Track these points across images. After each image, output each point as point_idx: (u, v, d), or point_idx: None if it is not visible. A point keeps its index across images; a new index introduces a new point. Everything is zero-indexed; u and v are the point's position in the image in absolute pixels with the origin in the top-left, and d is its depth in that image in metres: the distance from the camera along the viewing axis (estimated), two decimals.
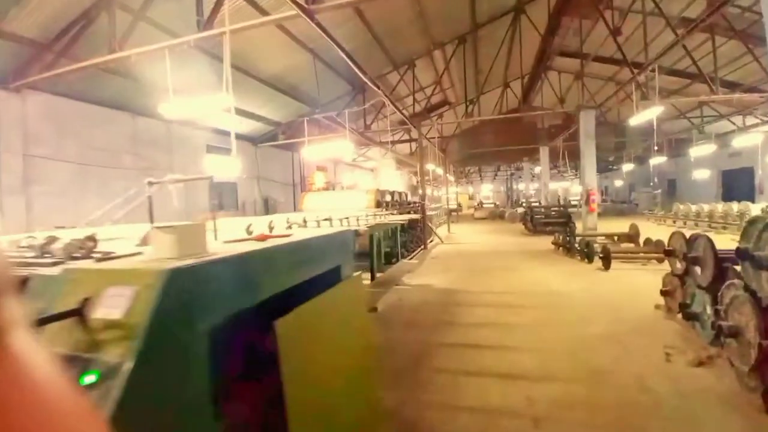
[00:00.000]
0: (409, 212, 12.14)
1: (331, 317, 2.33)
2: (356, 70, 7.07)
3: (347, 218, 5.71)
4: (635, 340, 4.26)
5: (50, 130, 7.66)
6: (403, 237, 10.84)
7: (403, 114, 11.07)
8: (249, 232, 3.21)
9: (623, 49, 10.33)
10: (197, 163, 11.42)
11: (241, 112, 11.68)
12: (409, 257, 10.28)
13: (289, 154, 16.26)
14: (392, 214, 9.54)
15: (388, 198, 10.03)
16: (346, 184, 21.01)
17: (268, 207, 14.40)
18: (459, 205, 43.12)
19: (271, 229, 3.10)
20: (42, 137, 7.52)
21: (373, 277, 6.31)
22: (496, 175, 45.86)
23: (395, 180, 29.71)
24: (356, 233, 5.17)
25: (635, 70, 10.25)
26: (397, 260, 8.05)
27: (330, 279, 2.52)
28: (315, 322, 2.11)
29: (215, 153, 12.16)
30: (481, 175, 46.71)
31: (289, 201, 15.83)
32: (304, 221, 4.93)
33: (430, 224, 15.36)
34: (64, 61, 6.69)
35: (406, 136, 18.30)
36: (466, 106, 14.77)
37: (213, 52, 8.64)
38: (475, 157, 26.18)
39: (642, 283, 6.80)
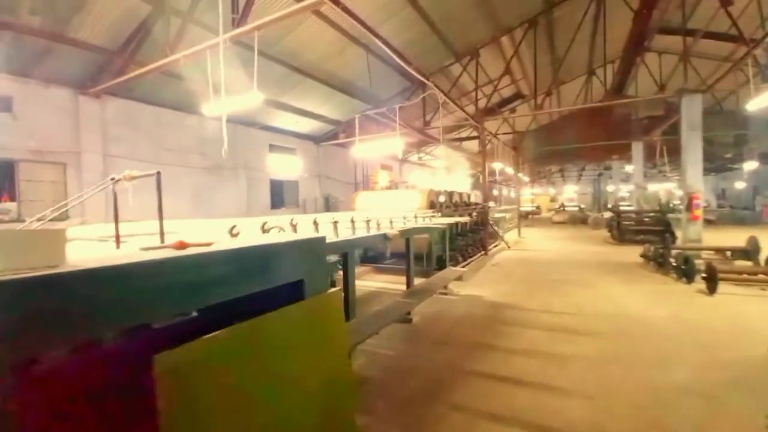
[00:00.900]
0: (470, 214, 11.24)
1: (277, 346, 1.86)
2: (398, 60, 6.52)
3: (385, 219, 5.21)
4: (734, 398, 3.11)
5: (126, 131, 8.42)
6: (460, 241, 10.04)
7: (462, 109, 10.22)
8: (233, 235, 2.90)
9: (738, 23, 8.30)
10: (260, 161, 11.87)
11: (301, 112, 11.87)
12: (464, 263, 9.44)
13: (350, 152, 16.26)
14: (444, 215, 8.80)
15: (442, 198, 9.30)
16: (411, 184, 20.56)
17: (329, 205, 14.53)
18: (537, 207, 40.03)
19: (234, 234, 2.72)
20: (119, 138, 8.29)
21: (409, 284, 5.72)
22: (581, 175, 41.56)
23: (463, 180, 28.43)
24: (385, 237, 4.67)
25: (751, 44, 8.15)
26: (444, 266, 7.33)
27: (287, 296, 2.05)
28: (240, 355, 1.65)
29: (277, 152, 12.54)
30: (563, 176, 42.75)
31: (351, 200, 15.84)
32: (352, 222, 4.54)
33: (495, 228, 14.18)
34: (132, 67, 7.22)
35: (475, 133, 17.16)
36: (539, 99, 13.26)
37: (265, 52, 8.76)
38: (554, 155, 23.77)
39: (756, 314, 5.22)
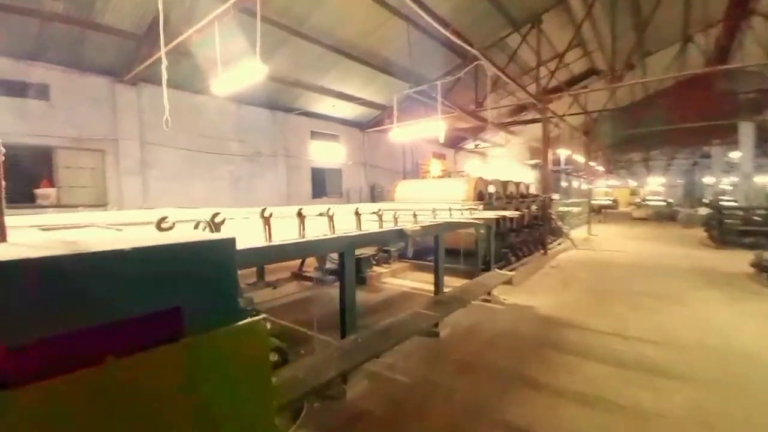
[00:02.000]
0: (527, 207, 9.81)
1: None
2: (439, 28, 5.46)
3: (413, 212, 4.31)
4: None
5: (162, 118, 8.32)
6: (513, 237, 8.72)
7: (517, 83, 8.76)
8: (162, 229, 2.20)
9: None
10: (301, 149, 11.46)
11: (341, 96, 11.20)
12: (517, 263, 8.16)
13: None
14: (494, 208, 7.61)
15: (492, 189, 8.07)
16: (465, 174, 19.12)
17: (374, 195, 13.82)
18: (614, 201, 35.85)
19: (165, 228, 2.01)
20: (155, 125, 8.21)
21: (437, 290, 4.75)
22: (669, 164, 36.37)
23: (525, 170, 26.17)
24: (402, 233, 3.76)
25: None
26: (489, 269, 6.19)
27: (149, 333, 1.26)
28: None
29: (319, 139, 12.04)
30: (647, 165, 37.78)
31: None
32: (379, 214, 3.71)
33: (559, 223, 12.45)
34: (156, 51, 6.98)
35: (538, 116, 15.29)
36: (619, 74, 11.19)
37: (297, 30, 8.14)
38: (636, 140, 20.71)
39: None
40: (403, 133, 8.63)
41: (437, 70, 11.19)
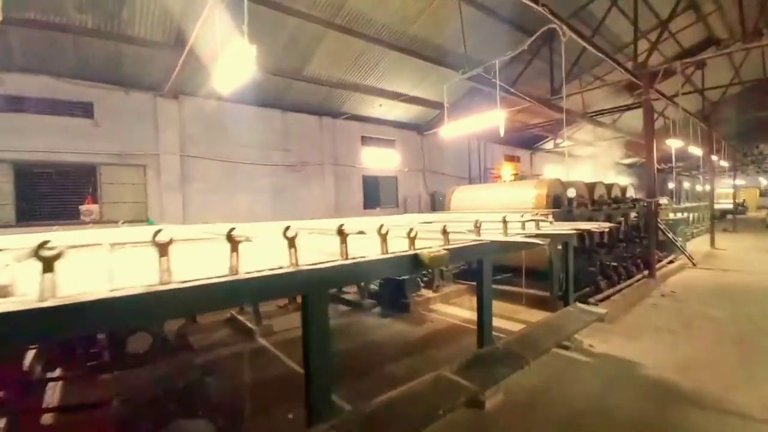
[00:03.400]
0: (624, 216, 7.70)
1: None
2: None
3: (456, 225, 3.05)
4: None
5: (203, 130, 8.13)
6: (603, 255, 6.74)
7: (610, 58, 6.79)
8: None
9: None
10: (351, 156, 10.66)
11: (393, 95, 10.16)
12: (608, 291, 6.22)
13: (464, 142, 13.82)
14: (575, 219, 5.85)
15: (572, 193, 6.28)
16: (543, 177, 16.74)
17: (434, 203, 12.48)
18: (742, 204, 29.33)
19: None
20: (196, 138, 8.03)
21: (482, 338, 3.33)
22: None
23: (617, 171, 22.49)
24: (417, 260, 2.53)
25: None
26: (567, 300, 4.50)
27: None
28: None
29: (372, 145, 11.14)
30: None
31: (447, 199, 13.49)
32: (411, 236, 2.64)
33: (669, 235, 9.82)
34: (191, 61, 6.67)
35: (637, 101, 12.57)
36: (747, 43, 8.39)
37: (331, 22, 7.31)
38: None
39: None
40: (456, 128, 7.27)
41: (499, 53, 9.58)
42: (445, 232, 2.93)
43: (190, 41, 5.82)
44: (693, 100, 13.87)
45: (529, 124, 13.63)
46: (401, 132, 11.72)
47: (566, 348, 4.29)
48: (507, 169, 15.45)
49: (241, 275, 1.76)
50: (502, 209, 6.72)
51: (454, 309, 6.23)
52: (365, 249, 2.43)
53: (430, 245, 2.69)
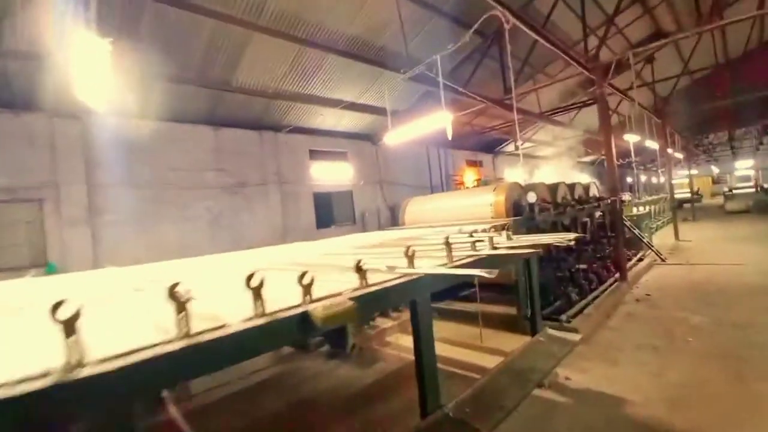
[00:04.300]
0: (589, 216, 7.23)
1: None
2: None
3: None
4: None
5: (117, 153, 7.04)
6: (570, 262, 6.17)
7: (561, 48, 6.32)
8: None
9: None
10: (299, 172, 9.78)
11: (341, 104, 9.41)
12: (580, 304, 5.61)
13: (422, 150, 13.25)
14: (533, 229, 5.23)
15: (533, 198, 5.69)
16: (505, 181, 16.46)
17: (395, 216, 11.73)
18: (696, 193, 30.50)
19: None
20: (108, 162, 6.93)
21: (425, 409, 2.52)
22: (761, 142, 30.40)
23: (578, 170, 22.76)
24: (305, 321, 1.71)
25: None
26: (535, 326, 3.77)
27: None
28: None
29: (322, 159, 10.30)
30: (732, 147, 32.00)
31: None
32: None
33: (636, 231, 9.50)
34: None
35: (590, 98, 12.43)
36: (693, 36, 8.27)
37: (255, 23, 6.52)
38: (717, 119, 16.81)
39: None
40: (401, 134, 6.58)
41: (451, 55, 9.08)
42: (359, 269, 2.13)
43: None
44: (645, 96, 13.98)
45: (487, 127, 13.26)
46: (354, 143, 10.96)
47: (539, 385, 3.57)
48: (469, 175, 14.99)
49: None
50: (459, 220, 6.04)
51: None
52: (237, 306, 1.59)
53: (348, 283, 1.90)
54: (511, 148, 17.20)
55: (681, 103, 14.59)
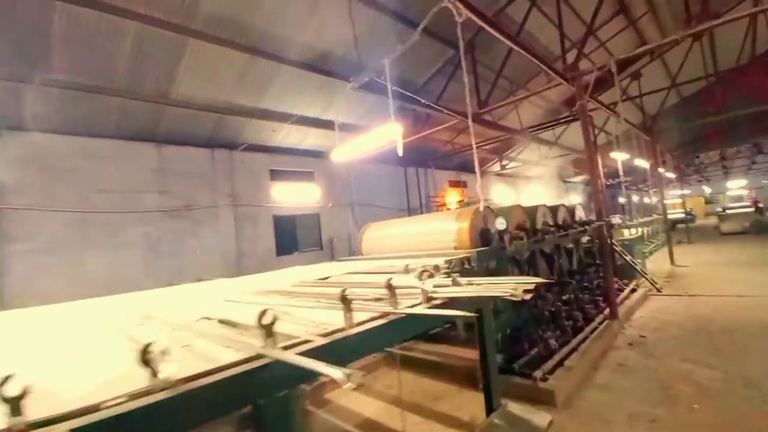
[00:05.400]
0: (576, 241, 6.40)
1: None
2: None
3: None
4: None
5: (34, 174, 6.16)
6: (549, 301, 5.25)
7: (533, 55, 5.61)
8: None
9: None
10: (257, 193, 8.91)
11: (302, 120, 8.66)
12: (561, 352, 4.67)
13: (400, 169, 12.48)
14: (508, 262, 4.36)
15: (501, 225, 4.84)
16: (490, 203, 15.67)
17: None
18: (689, 213, 29.89)
19: None
20: (21, 184, 6.04)
21: None
22: (753, 161, 30.08)
23: (564, 191, 22.12)
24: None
25: None
26: (490, 401, 2.81)
27: None
28: None
29: (284, 179, 9.46)
30: (724, 168, 31.72)
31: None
32: None
33: (627, 257, 8.64)
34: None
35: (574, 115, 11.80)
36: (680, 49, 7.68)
37: (203, 32, 5.78)
38: (708, 137, 16.30)
39: None
40: (349, 150, 5.77)
41: (423, 66, 8.43)
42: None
43: None
44: (634, 114, 13.44)
45: (467, 145, 12.56)
46: (321, 162, 10.11)
47: None
48: (453, 196, 14.19)
49: None
50: (421, 250, 5.14)
51: (360, 399, 4.41)
52: None
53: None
54: (497, 167, 16.50)
55: (671, 120, 14.05)
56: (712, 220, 24.18)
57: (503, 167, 16.37)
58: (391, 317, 1.98)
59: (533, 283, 2.18)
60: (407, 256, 4.73)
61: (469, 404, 3.86)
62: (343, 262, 5.66)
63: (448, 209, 13.04)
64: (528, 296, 2.10)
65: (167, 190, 7.50)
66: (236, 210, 8.37)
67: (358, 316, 1.87)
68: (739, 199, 31.81)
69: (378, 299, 2.16)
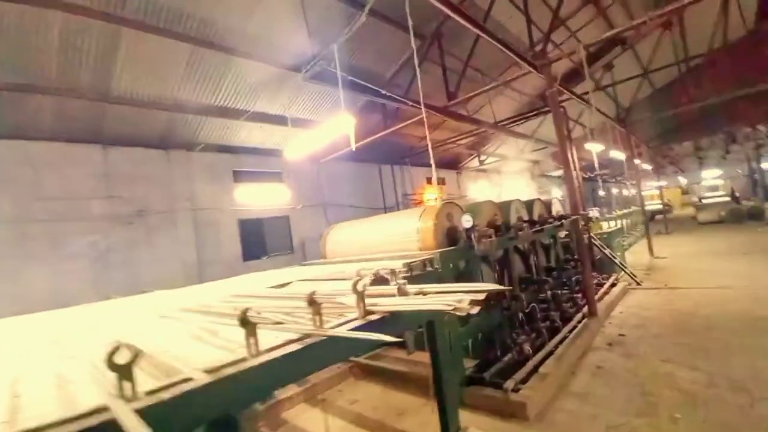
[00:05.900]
0: (552, 237, 6.10)
1: None
2: None
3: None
4: None
5: None
6: (522, 301, 4.92)
7: (497, 40, 5.29)
8: None
9: None
10: (219, 197, 8.37)
11: (268, 118, 8.16)
12: (536, 357, 4.33)
13: (374, 167, 12.07)
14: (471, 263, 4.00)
15: (468, 223, 4.48)
16: (468, 199, 15.43)
17: None
18: (667, 205, 30.31)
19: None
20: None
21: None
22: (727, 151, 30.69)
23: (542, 185, 22.08)
24: None
25: None
26: (446, 426, 2.43)
27: None
28: None
29: (249, 180, 8.94)
30: (699, 158, 32.32)
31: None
32: None
33: (606, 251, 8.42)
34: None
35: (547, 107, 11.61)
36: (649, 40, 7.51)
37: (144, 22, 5.25)
38: (682, 128, 16.41)
39: None
40: (302, 146, 5.32)
41: (388, 58, 8.04)
42: None
43: None
44: (608, 106, 13.34)
45: (446, 141, 12.26)
46: (289, 162, 9.62)
47: None
48: (430, 194, 13.87)
49: None
50: (385, 252, 4.75)
51: (320, 418, 3.98)
52: None
53: None
54: (475, 163, 16.25)
55: (644, 112, 14.02)
56: (690, 211, 24.51)
57: (482, 162, 16.14)
58: (309, 341, 1.59)
59: (484, 291, 1.79)
60: (369, 259, 4.33)
61: (436, 419, 3.49)
62: (300, 268, 5.22)
63: (425, 206, 12.74)
64: (474, 310, 1.72)
65: (116, 195, 6.91)
66: (196, 215, 7.82)
67: (271, 339, 1.49)
68: (715, 188, 32.43)
69: (292, 316, 1.76)
